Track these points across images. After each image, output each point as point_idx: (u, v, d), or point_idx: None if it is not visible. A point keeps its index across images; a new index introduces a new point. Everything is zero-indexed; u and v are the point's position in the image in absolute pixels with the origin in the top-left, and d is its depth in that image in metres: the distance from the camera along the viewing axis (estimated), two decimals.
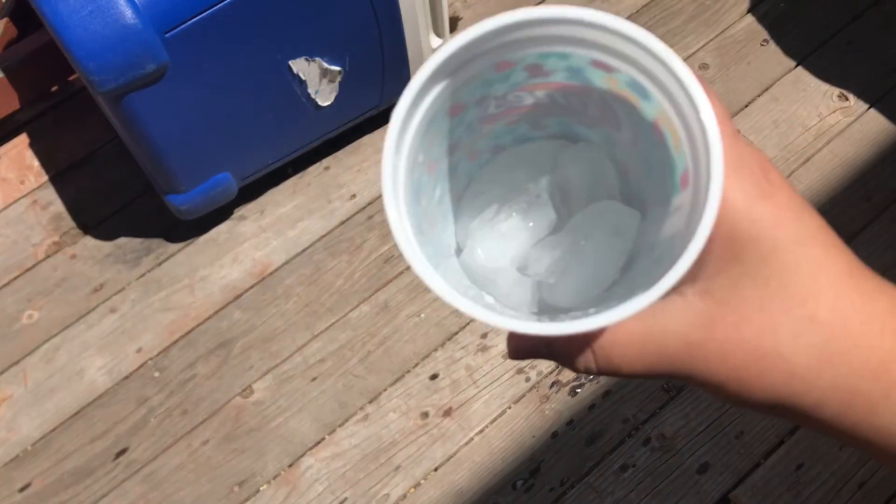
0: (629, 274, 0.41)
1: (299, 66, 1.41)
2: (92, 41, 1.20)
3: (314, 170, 1.66)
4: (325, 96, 1.49)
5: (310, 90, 1.46)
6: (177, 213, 1.52)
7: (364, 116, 1.61)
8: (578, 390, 1.42)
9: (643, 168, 0.41)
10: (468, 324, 1.49)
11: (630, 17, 1.78)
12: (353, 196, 1.63)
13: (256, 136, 1.48)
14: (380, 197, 1.62)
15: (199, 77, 1.32)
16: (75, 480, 1.41)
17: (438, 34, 1.55)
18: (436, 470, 1.38)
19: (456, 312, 1.50)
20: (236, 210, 1.63)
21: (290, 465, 1.40)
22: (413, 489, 1.37)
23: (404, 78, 1.57)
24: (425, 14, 1.50)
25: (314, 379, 1.47)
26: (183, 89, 1.31)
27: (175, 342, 1.51)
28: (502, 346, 1.47)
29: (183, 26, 1.24)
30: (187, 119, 1.37)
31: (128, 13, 1.20)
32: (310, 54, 1.40)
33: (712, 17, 1.77)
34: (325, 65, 1.44)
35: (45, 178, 1.70)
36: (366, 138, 1.68)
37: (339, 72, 1.47)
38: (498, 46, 0.35)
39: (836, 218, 1.53)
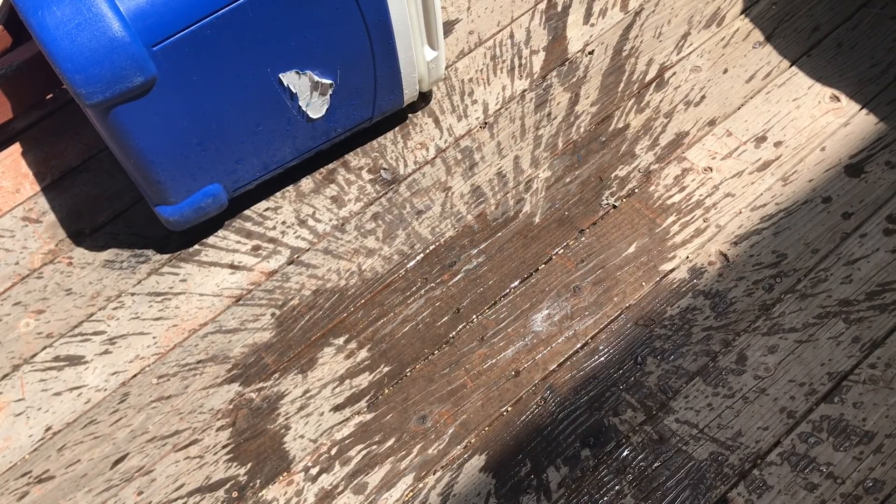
0: None
1: (290, 79, 1.41)
2: (79, 54, 1.19)
3: (307, 180, 1.66)
4: (316, 109, 1.49)
5: (301, 103, 1.46)
6: (166, 224, 1.52)
7: (356, 128, 1.61)
8: (577, 391, 1.42)
9: None
10: (465, 325, 1.50)
11: (622, 20, 1.79)
12: (348, 202, 1.63)
13: (247, 149, 1.48)
14: (373, 203, 1.63)
15: (188, 90, 1.32)
16: (74, 488, 1.41)
17: (433, 46, 1.56)
18: (434, 472, 1.38)
19: (454, 317, 1.50)
20: (231, 218, 1.64)
21: (288, 470, 1.40)
22: (411, 492, 1.37)
23: (397, 90, 1.58)
24: (419, 27, 1.50)
25: (313, 383, 1.47)
26: (171, 102, 1.31)
27: (172, 349, 1.51)
28: (500, 346, 1.47)
29: (171, 39, 1.24)
30: (176, 132, 1.37)
31: (115, 26, 1.20)
32: (301, 67, 1.41)
33: (705, 20, 1.77)
34: (317, 78, 1.44)
35: (41, 186, 1.70)
36: (359, 149, 1.69)
37: (331, 84, 1.47)
38: None
39: (829, 219, 1.53)
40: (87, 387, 1.49)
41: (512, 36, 1.80)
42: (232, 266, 1.59)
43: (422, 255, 1.57)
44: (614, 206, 1.59)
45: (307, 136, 1.54)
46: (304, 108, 1.48)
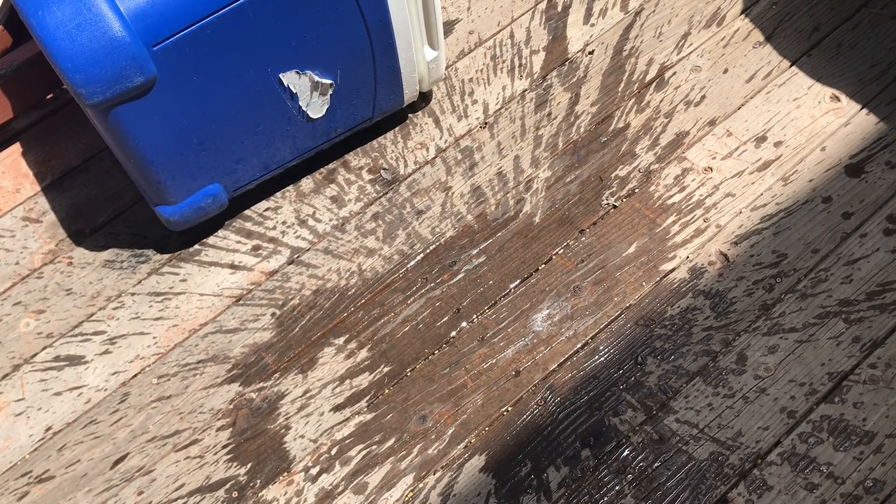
0: None
1: (290, 78, 1.41)
2: (79, 54, 1.20)
3: (307, 180, 1.67)
4: (316, 109, 1.49)
5: (301, 103, 1.46)
6: (167, 224, 1.52)
7: (356, 128, 1.61)
8: (577, 391, 1.42)
9: None
10: (465, 325, 1.50)
11: (623, 20, 1.79)
12: (348, 202, 1.63)
13: (247, 149, 1.48)
14: (374, 203, 1.63)
15: (188, 90, 1.32)
16: (74, 487, 1.41)
17: (433, 46, 1.56)
18: (434, 472, 1.38)
19: (454, 316, 1.50)
20: (231, 218, 1.64)
21: (288, 470, 1.40)
22: (411, 492, 1.37)
23: (397, 90, 1.57)
24: (419, 27, 1.50)
25: (313, 383, 1.47)
26: (171, 102, 1.31)
27: (172, 349, 1.51)
28: (500, 346, 1.47)
29: (171, 39, 1.24)
30: (176, 132, 1.37)
31: (115, 26, 1.20)
32: (301, 67, 1.41)
33: (705, 20, 1.77)
34: (317, 77, 1.44)
35: (41, 186, 1.70)
36: (359, 149, 1.69)
37: (331, 84, 1.47)
38: None
39: (829, 219, 1.53)
40: (88, 387, 1.49)
41: (512, 36, 1.80)
42: (232, 266, 1.59)
43: (422, 255, 1.57)
44: (614, 206, 1.59)
45: (307, 135, 1.54)
46: (304, 108, 1.48)
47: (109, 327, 1.54)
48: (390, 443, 1.41)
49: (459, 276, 1.54)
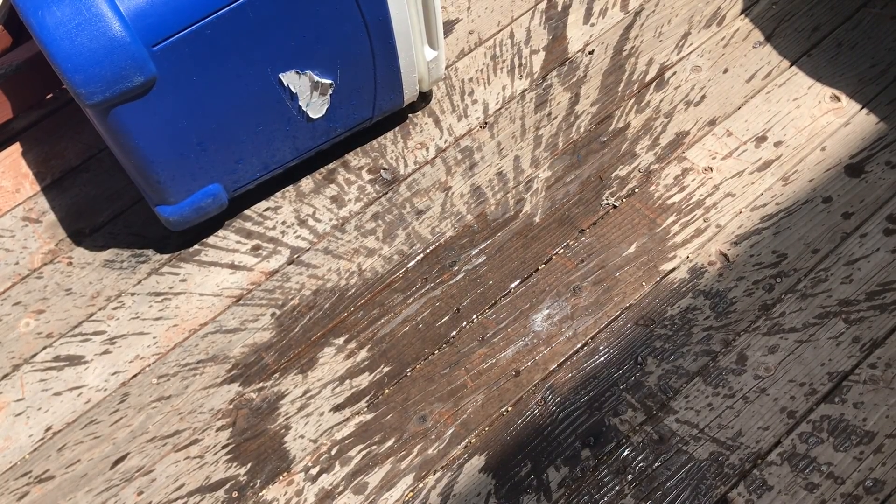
0: None
1: (290, 78, 1.41)
2: (79, 54, 1.20)
3: (307, 180, 1.67)
4: (316, 109, 1.49)
5: (301, 103, 1.46)
6: (166, 224, 1.52)
7: (356, 128, 1.61)
8: (577, 391, 1.42)
9: None
10: (465, 325, 1.50)
11: (623, 20, 1.79)
12: (348, 202, 1.63)
13: (246, 149, 1.48)
14: (373, 203, 1.62)
15: (188, 90, 1.32)
16: (74, 488, 1.41)
17: (433, 46, 1.56)
18: (434, 472, 1.38)
19: (454, 316, 1.50)
20: (231, 218, 1.64)
21: (288, 470, 1.40)
22: (411, 492, 1.37)
23: (397, 90, 1.57)
24: (419, 26, 1.50)
25: (313, 383, 1.47)
26: (171, 102, 1.31)
27: (172, 349, 1.51)
28: (500, 346, 1.47)
29: (171, 39, 1.24)
30: (176, 132, 1.37)
31: (115, 26, 1.20)
32: (301, 67, 1.41)
33: (705, 20, 1.77)
34: (317, 77, 1.44)
35: (41, 186, 1.70)
36: (359, 149, 1.69)
37: (331, 84, 1.47)
38: None
39: (829, 219, 1.53)
40: (87, 387, 1.49)
41: (512, 36, 1.80)
42: (232, 266, 1.59)
43: (422, 255, 1.57)
44: (614, 206, 1.59)
45: (307, 135, 1.54)
46: (304, 108, 1.48)
47: (109, 327, 1.54)
48: (390, 443, 1.41)
49: (459, 276, 1.54)
